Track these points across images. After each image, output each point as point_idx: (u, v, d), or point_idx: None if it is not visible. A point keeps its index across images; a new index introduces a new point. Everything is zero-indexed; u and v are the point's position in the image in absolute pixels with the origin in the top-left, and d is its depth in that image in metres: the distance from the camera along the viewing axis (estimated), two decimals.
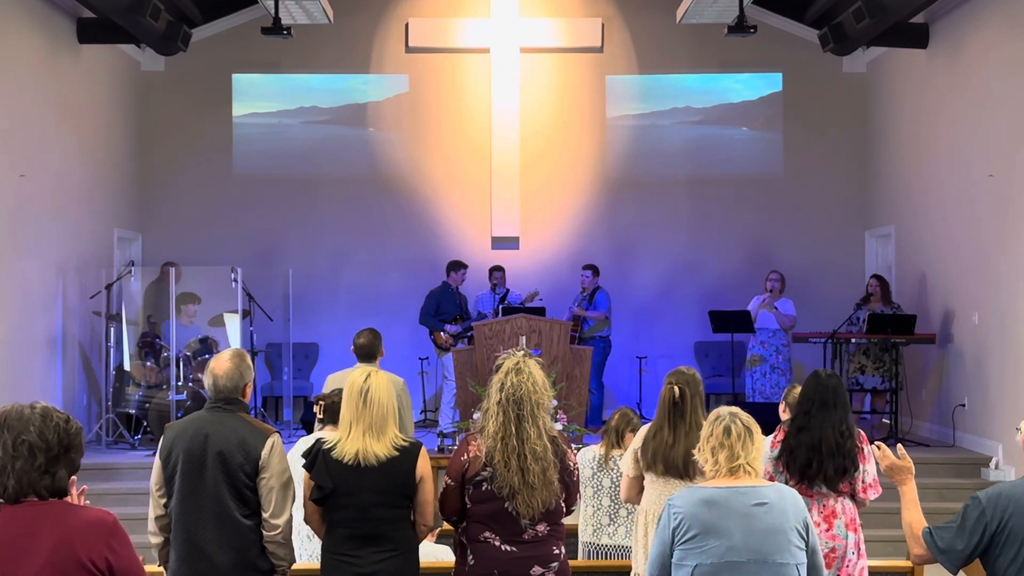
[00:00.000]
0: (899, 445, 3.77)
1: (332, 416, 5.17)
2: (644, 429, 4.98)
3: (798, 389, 5.43)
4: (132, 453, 9.49)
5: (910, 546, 3.57)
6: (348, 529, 4.03)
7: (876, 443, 3.87)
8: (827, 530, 4.79)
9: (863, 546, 4.90)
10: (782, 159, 12.49)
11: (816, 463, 4.78)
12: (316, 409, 5.32)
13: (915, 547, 3.52)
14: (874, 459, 4.17)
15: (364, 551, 4.01)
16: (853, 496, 4.89)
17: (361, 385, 4.06)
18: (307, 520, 4.18)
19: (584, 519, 5.83)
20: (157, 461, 4.13)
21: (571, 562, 4.32)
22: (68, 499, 2.88)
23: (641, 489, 4.97)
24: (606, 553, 5.76)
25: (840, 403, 4.88)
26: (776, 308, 10.53)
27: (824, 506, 4.83)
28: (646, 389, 11.69)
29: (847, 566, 4.80)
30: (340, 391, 5.05)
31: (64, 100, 10.19)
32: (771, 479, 4.89)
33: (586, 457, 5.78)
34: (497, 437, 4.02)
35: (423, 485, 4.08)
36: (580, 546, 5.84)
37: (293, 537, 4.21)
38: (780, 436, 4.99)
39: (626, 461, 5.04)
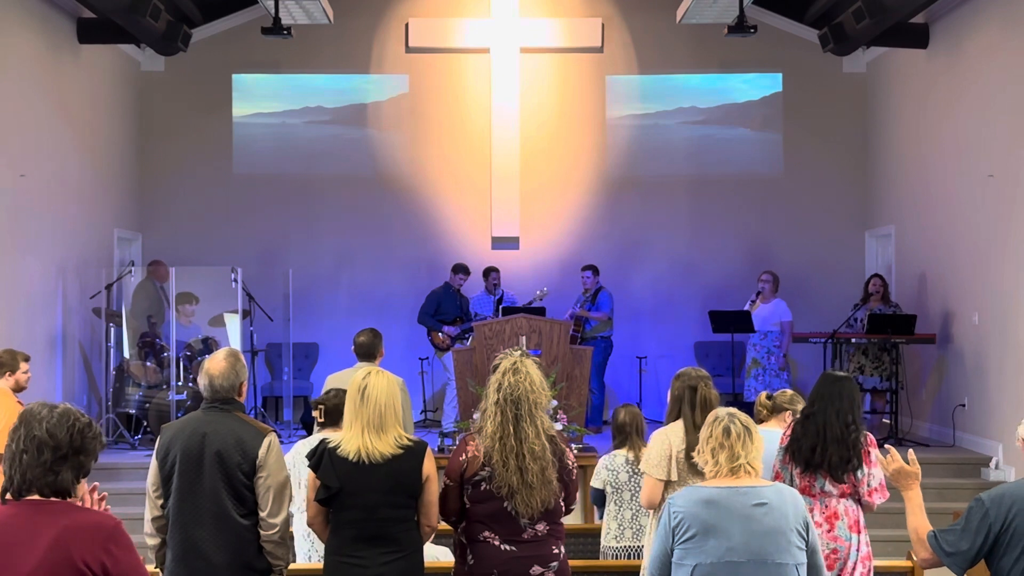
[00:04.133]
0: (911, 451, 3.75)
1: (332, 419, 5.15)
2: (670, 433, 4.81)
3: (788, 394, 5.43)
4: (132, 453, 9.49)
5: (916, 551, 3.57)
6: (354, 530, 4.00)
7: (886, 446, 3.85)
8: (828, 531, 4.74)
9: (870, 547, 4.79)
10: (782, 159, 12.48)
11: (820, 450, 4.71)
12: (316, 413, 5.29)
13: (921, 551, 3.53)
14: (880, 464, 4.11)
15: (370, 552, 3.98)
16: (859, 500, 4.82)
17: (360, 383, 4.06)
18: (310, 522, 4.16)
19: (620, 523, 5.69)
20: (154, 462, 4.13)
21: (574, 562, 4.31)
22: (74, 501, 2.87)
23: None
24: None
25: (847, 396, 4.80)
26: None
27: (826, 507, 4.77)
28: (646, 389, 11.68)
29: (849, 569, 4.73)
30: (338, 392, 5.06)
31: (64, 100, 10.19)
32: (778, 476, 4.88)
33: (617, 462, 5.72)
34: (495, 437, 4.02)
35: (428, 485, 4.07)
36: (611, 551, 5.66)
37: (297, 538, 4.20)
38: (788, 431, 4.96)
39: (658, 465, 4.78)
